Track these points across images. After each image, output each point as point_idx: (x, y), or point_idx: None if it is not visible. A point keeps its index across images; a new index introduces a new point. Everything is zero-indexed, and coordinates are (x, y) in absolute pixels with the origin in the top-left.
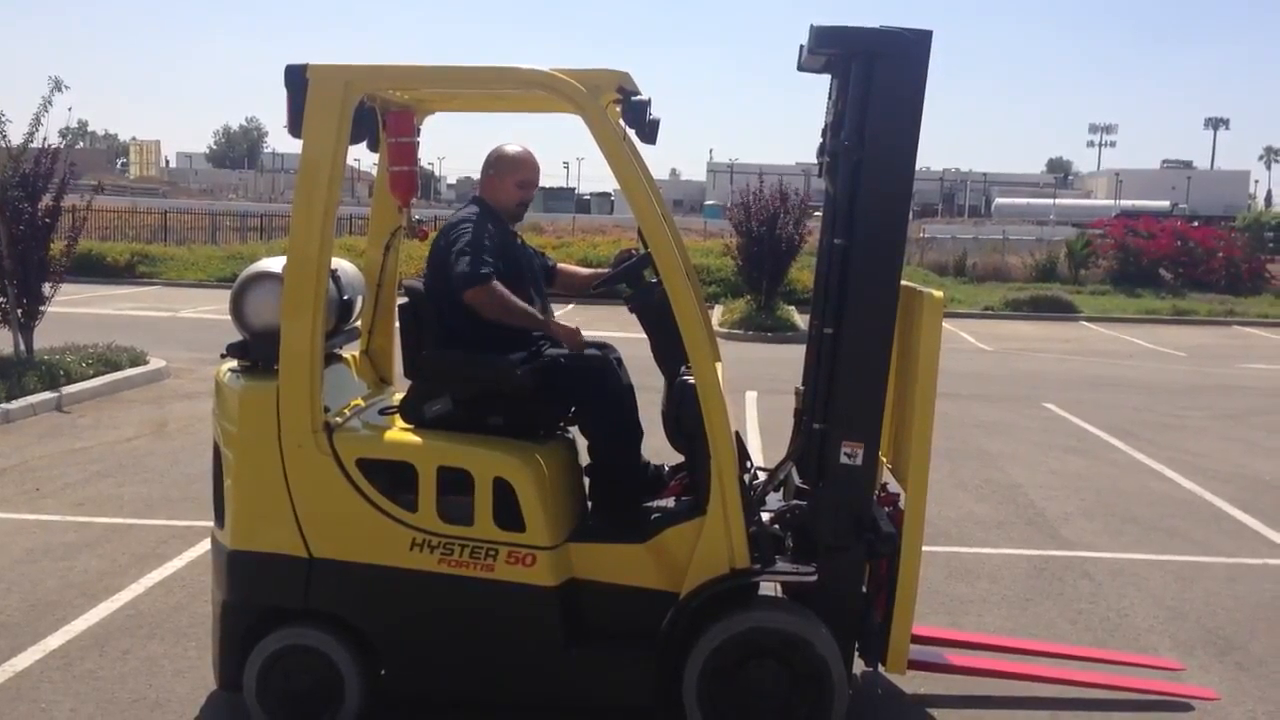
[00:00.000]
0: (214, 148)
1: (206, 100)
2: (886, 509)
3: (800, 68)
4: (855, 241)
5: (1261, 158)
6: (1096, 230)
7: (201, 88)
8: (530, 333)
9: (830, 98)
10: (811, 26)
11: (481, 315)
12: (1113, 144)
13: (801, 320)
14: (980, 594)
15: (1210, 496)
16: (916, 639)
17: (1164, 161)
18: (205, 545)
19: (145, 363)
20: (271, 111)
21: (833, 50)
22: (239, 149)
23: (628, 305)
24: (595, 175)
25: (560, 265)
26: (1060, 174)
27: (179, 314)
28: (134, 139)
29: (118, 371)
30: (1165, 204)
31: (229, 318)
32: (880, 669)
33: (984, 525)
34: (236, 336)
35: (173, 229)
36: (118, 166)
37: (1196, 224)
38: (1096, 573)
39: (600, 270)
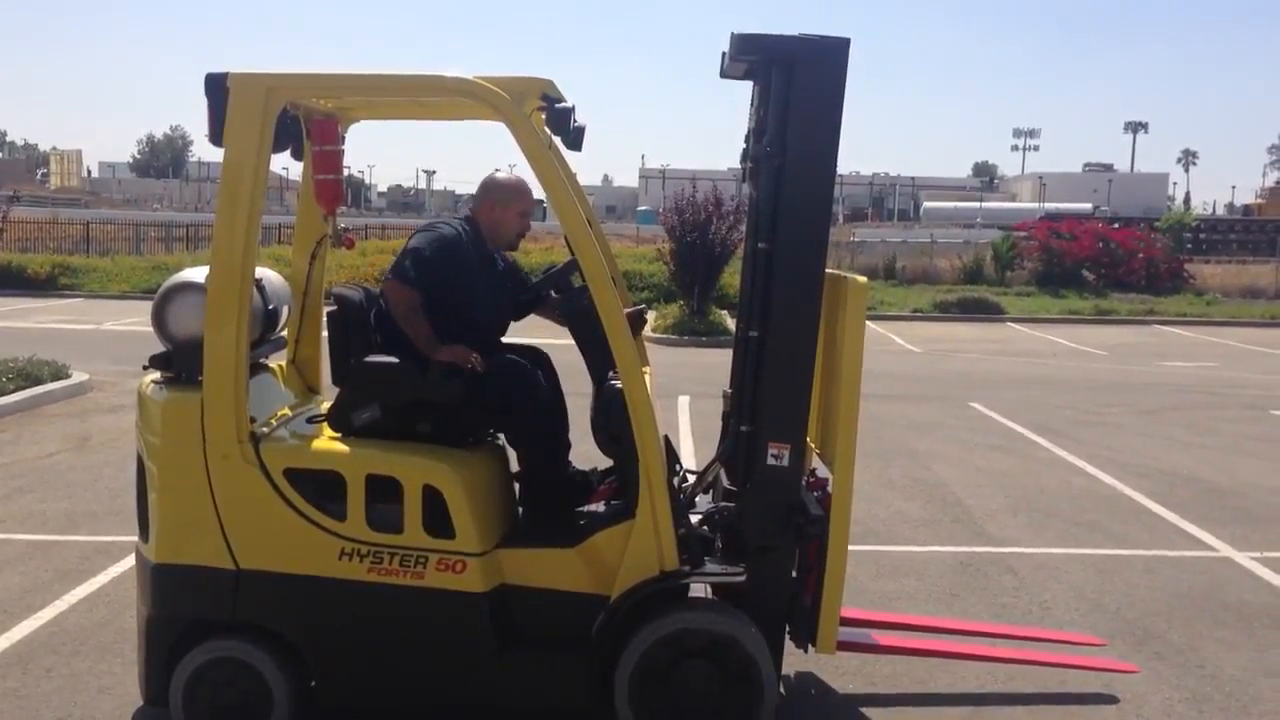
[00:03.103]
0: (137, 157)
1: (129, 109)
2: (815, 493)
3: (723, 75)
4: (778, 245)
5: (1179, 160)
6: (1021, 233)
7: (124, 96)
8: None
9: (752, 104)
10: (732, 34)
11: (389, 309)
12: (1036, 148)
13: (734, 324)
14: (908, 590)
15: (1129, 491)
16: (845, 621)
17: (1086, 165)
18: (130, 560)
19: (67, 376)
20: (196, 120)
21: (753, 57)
22: (163, 158)
23: (555, 311)
24: (528, 182)
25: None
26: (986, 178)
27: (102, 326)
28: (54, 148)
29: (39, 386)
30: (1087, 206)
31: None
32: (811, 649)
33: (912, 523)
34: (161, 348)
35: (95, 240)
36: (38, 177)
37: (1117, 225)
38: (1020, 567)
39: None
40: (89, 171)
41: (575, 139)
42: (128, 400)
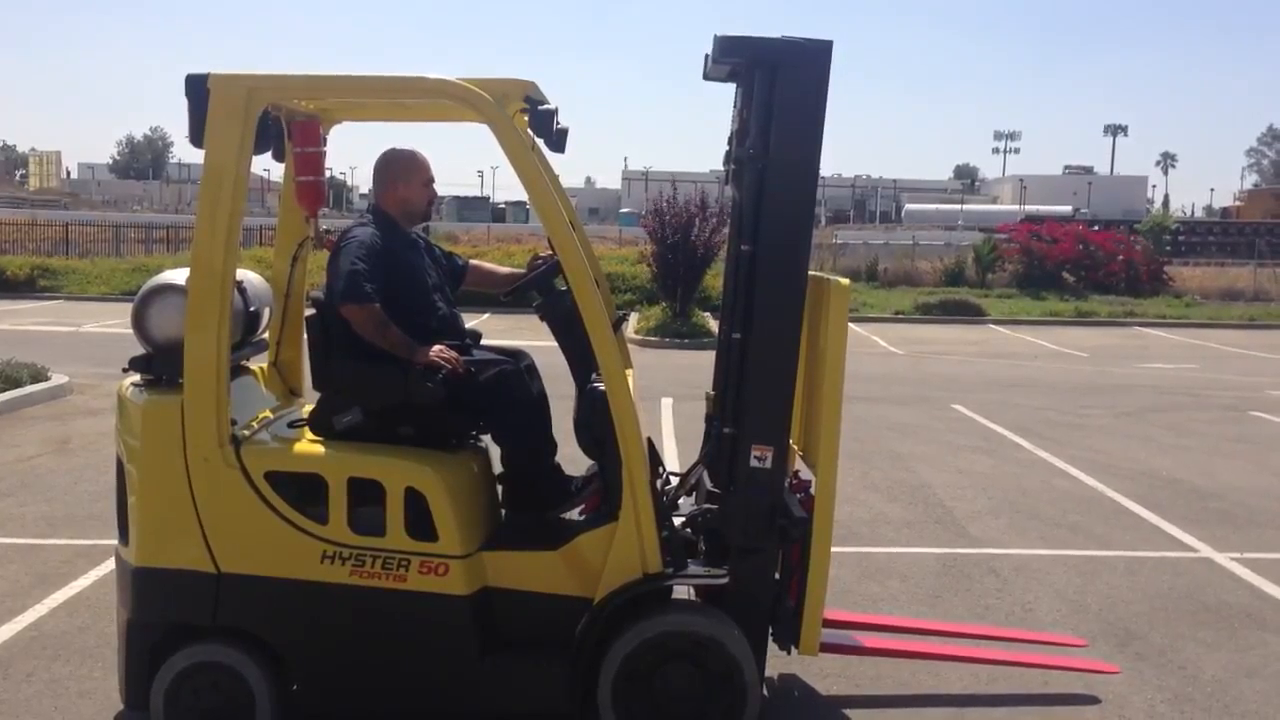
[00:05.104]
0: (117, 158)
1: (109, 110)
2: (798, 495)
3: (706, 77)
4: (761, 247)
5: (1159, 163)
6: (1002, 235)
7: (104, 97)
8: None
9: (735, 106)
10: (716, 36)
11: (358, 332)
12: (1017, 150)
13: (717, 326)
14: (891, 592)
15: (1110, 492)
16: (827, 623)
17: (1066, 167)
18: (110, 564)
19: (47, 379)
20: (177, 121)
21: (736, 60)
22: (143, 159)
23: (538, 313)
24: (510, 184)
25: (475, 263)
26: (967, 180)
27: (82, 328)
28: (33, 150)
29: (18, 388)
30: (1068, 209)
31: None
32: (794, 651)
33: (894, 525)
34: (141, 350)
35: (75, 241)
36: (16, 178)
37: (1097, 228)
38: (1002, 569)
39: (518, 271)
40: (68, 173)
41: (558, 141)
42: (108, 403)
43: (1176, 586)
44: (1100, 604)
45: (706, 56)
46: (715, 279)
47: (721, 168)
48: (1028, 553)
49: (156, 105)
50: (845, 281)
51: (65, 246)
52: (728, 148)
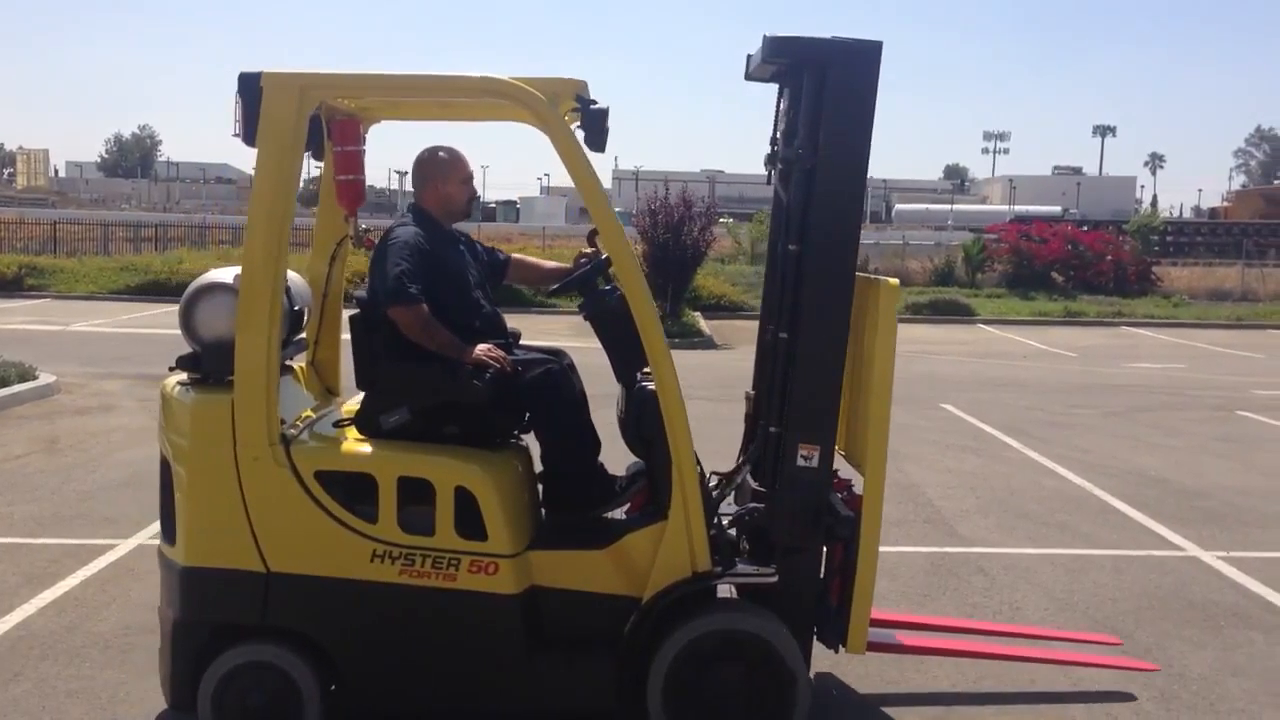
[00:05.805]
0: (105, 156)
1: (97, 108)
2: (840, 494)
3: (748, 77)
4: (809, 247)
5: (1147, 163)
6: (992, 235)
7: (92, 95)
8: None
9: (779, 107)
10: (765, 37)
11: (404, 333)
12: (1006, 151)
13: (707, 326)
14: (880, 591)
15: (1098, 491)
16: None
17: (1055, 168)
18: (99, 564)
19: (34, 378)
20: (165, 119)
21: (784, 60)
22: (131, 158)
23: (582, 312)
24: (502, 184)
25: (518, 257)
26: (957, 180)
27: (70, 327)
28: (20, 148)
29: (5, 388)
30: (1057, 209)
31: (123, 330)
32: (841, 650)
33: (884, 524)
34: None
35: (63, 240)
36: (4, 176)
37: (1086, 228)
38: (990, 568)
39: (563, 266)
40: (56, 171)
41: (602, 140)
42: (96, 402)
43: (1163, 585)
44: (1087, 602)
45: (749, 57)
46: (705, 279)
47: (765, 168)
48: (1016, 551)
49: (145, 103)
50: (894, 282)
51: (53, 245)
52: (773, 149)
